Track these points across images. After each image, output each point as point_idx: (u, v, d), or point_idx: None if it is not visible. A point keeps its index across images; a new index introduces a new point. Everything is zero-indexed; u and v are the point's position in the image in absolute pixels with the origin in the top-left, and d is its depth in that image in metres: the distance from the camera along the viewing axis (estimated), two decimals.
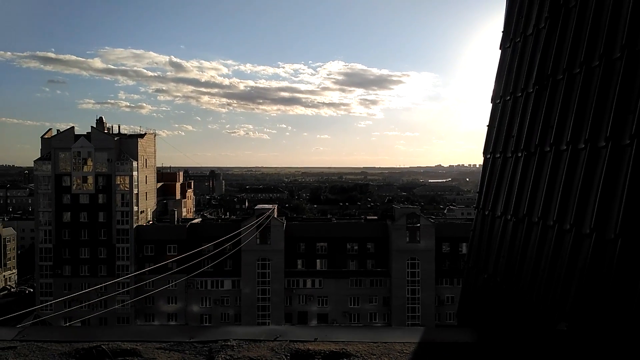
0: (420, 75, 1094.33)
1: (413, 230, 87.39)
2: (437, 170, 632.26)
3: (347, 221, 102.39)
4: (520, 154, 6.62)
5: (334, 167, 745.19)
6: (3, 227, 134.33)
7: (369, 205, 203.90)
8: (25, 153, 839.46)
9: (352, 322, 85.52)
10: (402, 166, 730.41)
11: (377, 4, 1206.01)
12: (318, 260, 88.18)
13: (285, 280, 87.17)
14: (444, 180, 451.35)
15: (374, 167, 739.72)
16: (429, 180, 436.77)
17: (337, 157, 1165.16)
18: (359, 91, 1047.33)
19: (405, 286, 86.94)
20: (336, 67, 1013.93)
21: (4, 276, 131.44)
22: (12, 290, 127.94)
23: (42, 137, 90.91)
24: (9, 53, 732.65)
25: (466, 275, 7.36)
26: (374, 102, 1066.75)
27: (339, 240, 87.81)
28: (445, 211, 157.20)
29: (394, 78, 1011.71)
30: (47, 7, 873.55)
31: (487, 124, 7.77)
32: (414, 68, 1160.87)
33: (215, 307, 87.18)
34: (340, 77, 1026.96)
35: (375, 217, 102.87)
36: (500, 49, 7.98)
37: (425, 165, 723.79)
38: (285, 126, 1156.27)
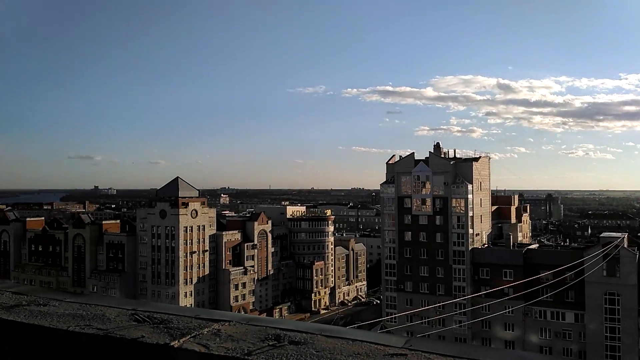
0: None
1: None
2: None
3: None
4: None
5: None
6: (355, 243, 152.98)
7: None
8: (372, 177, 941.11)
9: None
10: None
11: None
12: None
13: (639, 319, 76.10)
14: None
15: None
16: None
17: None
18: None
19: None
20: None
21: (356, 286, 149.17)
22: (362, 300, 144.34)
23: (387, 163, 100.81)
24: (355, 90, 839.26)
25: None
26: None
27: None
28: None
29: None
30: (385, 46, 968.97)
31: None
32: None
33: (556, 340, 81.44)
34: None
35: None
36: None
37: None
38: (633, 144, 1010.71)
